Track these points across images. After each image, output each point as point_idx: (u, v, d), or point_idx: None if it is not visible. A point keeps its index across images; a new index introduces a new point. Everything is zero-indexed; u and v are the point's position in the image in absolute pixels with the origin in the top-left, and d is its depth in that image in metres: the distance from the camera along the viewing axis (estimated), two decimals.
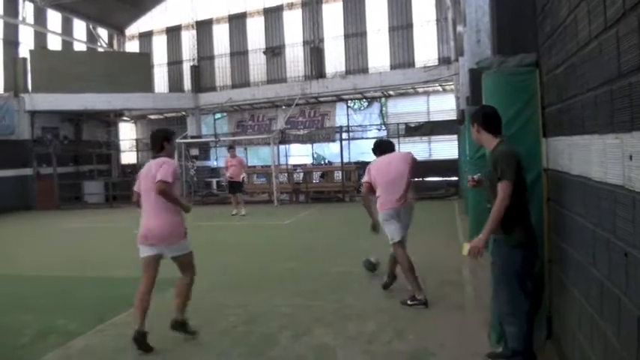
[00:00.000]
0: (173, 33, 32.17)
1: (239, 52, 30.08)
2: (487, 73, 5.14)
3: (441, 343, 5.19)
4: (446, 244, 10.36)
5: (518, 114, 4.69)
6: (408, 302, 6.44)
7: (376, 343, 5.21)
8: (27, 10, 26.89)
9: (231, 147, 18.98)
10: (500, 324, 4.55)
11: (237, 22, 30.08)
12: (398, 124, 24.44)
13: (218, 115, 30.96)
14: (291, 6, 28.59)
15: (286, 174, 22.95)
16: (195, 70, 30.54)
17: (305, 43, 28.25)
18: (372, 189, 7.32)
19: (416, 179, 21.82)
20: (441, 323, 5.74)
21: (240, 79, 29.82)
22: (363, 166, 24.01)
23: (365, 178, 7.45)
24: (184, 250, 6.25)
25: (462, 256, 8.75)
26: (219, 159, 29.67)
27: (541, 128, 4.79)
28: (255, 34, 29.68)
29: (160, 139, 6.43)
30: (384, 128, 26.13)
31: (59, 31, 29.89)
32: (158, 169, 5.85)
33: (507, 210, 4.06)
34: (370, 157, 23.75)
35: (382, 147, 7.79)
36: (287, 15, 28.78)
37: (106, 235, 15.41)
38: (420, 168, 22.90)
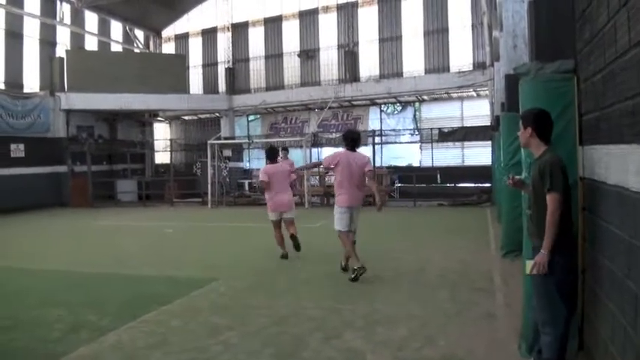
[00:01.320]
0: (209, 35, 32.46)
1: (274, 55, 30.24)
2: (524, 80, 5.07)
3: (471, 350, 5.13)
4: (478, 251, 10.28)
5: (555, 121, 4.60)
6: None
7: (406, 349, 5.17)
8: (64, 11, 27.34)
9: (284, 149, 19.02)
10: (533, 333, 4.49)
11: (273, 24, 30.24)
12: (431, 129, 24.38)
13: (252, 117, 31.18)
14: (326, 9, 28.66)
15: (318, 177, 22.95)
16: (230, 72, 30.79)
17: (339, 46, 28.30)
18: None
19: (448, 185, 21.90)
20: (471, 331, 5.68)
21: (275, 82, 29.97)
22: (395, 170, 24.00)
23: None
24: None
25: (495, 264, 8.76)
26: (251, 160, 29.86)
27: (577, 136, 4.72)
28: (290, 37, 29.83)
29: (356, 137, 9.02)
30: (417, 133, 26.05)
31: (96, 31, 30.36)
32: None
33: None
34: (403, 161, 23.46)
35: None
36: (322, 18, 28.86)
37: (139, 233, 15.60)
38: (453, 174, 22.96)
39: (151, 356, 5.29)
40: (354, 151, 8.83)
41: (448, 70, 25.59)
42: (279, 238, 10.34)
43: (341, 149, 9.15)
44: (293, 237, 10.17)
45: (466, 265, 8.93)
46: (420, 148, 26.28)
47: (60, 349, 5.53)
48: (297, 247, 10.20)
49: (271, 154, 10.85)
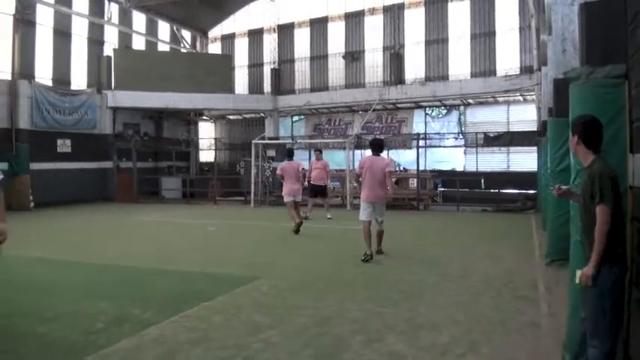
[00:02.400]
0: (255, 36, 32.68)
1: (319, 56, 30.28)
2: (575, 84, 4.97)
3: (514, 359, 5.06)
4: (522, 259, 10.14)
5: (606, 128, 4.48)
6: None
7: (449, 355, 5.11)
8: (112, 11, 27.85)
9: (317, 150, 19.07)
10: (578, 346, 4.39)
11: (319, 26, 30.29)
12: (476, 133, 24.10)
13: (296, 118, 31.27)
14: (372, 11, 28.58)
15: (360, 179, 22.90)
16: (275, 73, 30.94)
17: (385, 48, 28.19)
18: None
19: (492, 190, 21.62)
20: (515, 340, 5.59)
21: (319, 83, 30.01)
22: (439, 174, 23.80)
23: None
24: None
25: (539, 272, 8.62)
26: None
27: (628, 143, 4.60)
28: (336, 38, 29.82)
29: (379, 144, 10.86)
30: (461, 137, 25.79)
31: (143, 31, 30.84)
32: (384, 167, 10.35)
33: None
34: (447, 165, 23.28)
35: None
36: (368, 20, 28.80)
37: (182, 230, 15.75)
38: (497, 179, 22.65)
39: (192, 351, 5.34)
40: (378, 155, 10.70)
41: (494, 73, 25.26)
42: (293, 214, 14.10)
43: (368, 153, 11.12)
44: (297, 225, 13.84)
45: (510, 273, 8.81)
46: (465, 152, 26.03)
47: (101, 341, 5.63)
48: (296, 232, 13.75)
49: (289, 154, 15.30)
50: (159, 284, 8.44)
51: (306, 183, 16.78)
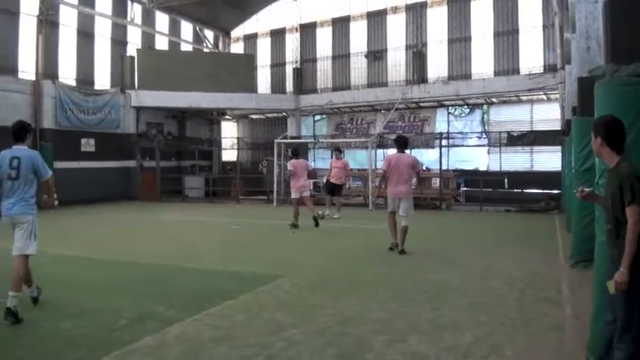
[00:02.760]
0: (277, 35, 32.75)
1: (341, 55, 30.28)
2: (599, 83, 4.91)
3: None
4: (546, 260, 10.03)
5: (631, 126, 4.38)
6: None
7: (472, 357, 5.07)
8: (135, 12, 28.10)
9: (336, 149, 19.09)
10: (604, 349, 4.33)
11: (341, 25, 30.28)
12: (500, 132, 23.88)
13: (318, 117, 31.29)
14: (395, 10, 28.51)
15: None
16: (298, 72, 30.99)
17: (407, 47, 28.10)
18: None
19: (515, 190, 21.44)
20: (538, 342, 5.53)
21: (341, 82, 30.00)
22: (462, 174, 23.66)
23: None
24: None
25: (563, 273, 8.54)
26: (317, 160, 29.97)
27: None
28: (358, 37, 29.80)
29: (404, 141, 11.54)
30: (484, 136, 25.61)
31: (166, 31, 31.07)
32: (410, 164, 10.93)
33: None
34: (469, 165, 23.15)
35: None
36: (390, 19, 28.75)
37: (205, 228, 15.87)
38: (521, 179, 22.46)
39: (215, 350, 5.36)
40: (403, 152, 11.24)
41: (518, 72, 25.06)
42: (296, 211, 15.04)
43: (393, 151, 11.78)
44: (314, 218, 14.93)
45: (534, 274, 8.73)
46: (488, 151, 25.85)
47: (125, 338, 5.68)
48: (316, 224, 14.79)
49: (296, 153, 16.13)
50: (182, 282, 8.49)
51: (324, 180, 17.37)
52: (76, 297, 7.46)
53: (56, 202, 21.68)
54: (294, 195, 15.29)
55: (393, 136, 22.05)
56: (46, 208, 7.47)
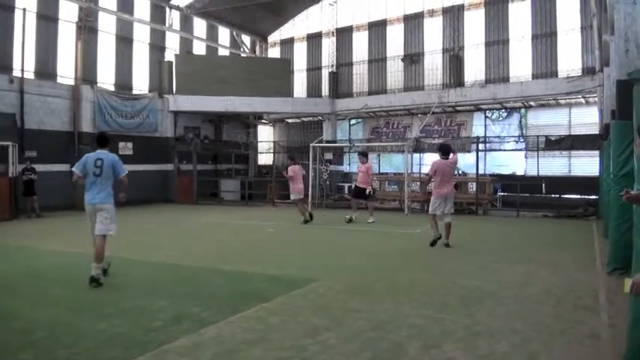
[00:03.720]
0: (313, 40, 32.86)
1: (377, 59, 30.25)
2: (639, 85, 4.84)
3: None
4: (583, 267, 9.87)
5: None
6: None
7: None
8: (173, 18, 28.54)
9: (360, 153, 19.09)
10: None
11: (377, 29, 30.25)
12: (537, 136, 23.53)
13: (353, 121, 31.26)
14: (432, 13, 28.38)
15: (419, 182, 22.73)
16: (334, 76, 31.04)
17: (444, 50, 27.94)
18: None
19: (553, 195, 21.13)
20: (574, 351, 5.43)
21: (377, 86, 29.95)
22: (498, 178, 23.41)
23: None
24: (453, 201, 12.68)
25: (600, 281, 8.40)
26: (352, 164, 29.95)
27: None
28: (395, 40, 29.74)
29: (447, 149, 12.76)
30: (522, 140, 25.30)
31: (204, 37, 31.41)
32: (453, 165, 12.86)
33: None
34: (507, 169, 23.00)
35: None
36: (427, 22, 28.62)
37: (241, 231, 15.97)
38: (559, 184, 22.12)
39: (249, 352, 5.39)
40: (447, 158, 12.50)
41: (556, 75, 24.69)
42: (302, 208, 17.52)
43: (437, 157, 12.82)
44: (310, 214, 17.25)
45: (571, 281, 8.59)
46: (525, 156, 25.53)
47: (161, 338, 5.75)
48: (308, 221, 16.99)
49: (292, 158, 18.39)
50: (217, 284, 8.58)
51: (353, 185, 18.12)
52: (113, 297, 7.57)
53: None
54: (296, 197, 17.36)
55: (429, 141, 22.07)
56: (122, 201, 9.15)
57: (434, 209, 12.31)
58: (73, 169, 8.89)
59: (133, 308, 6.96)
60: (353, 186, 18.42)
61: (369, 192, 17.86)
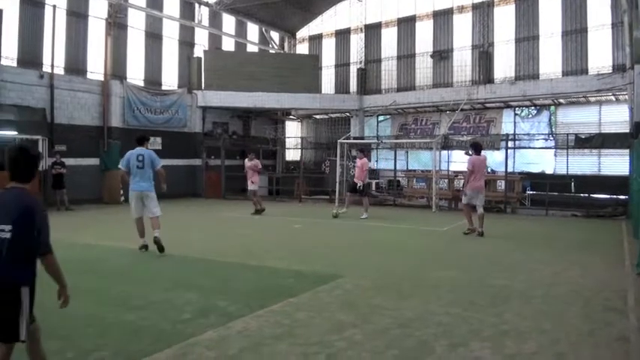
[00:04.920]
0: (342, 36, 32.86)
1: (406, 55, 30.13)
2: None
3: None
4: (612, 267, 9.74)
5: None
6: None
7: None
8: (202, 14, 28.70)
9: (359, 150, 19.48)
10: None
11: (406, 25, 30.13)
12: (567, 134, 23.20)
13: (381, 118, 31.18)
14: (461, 9, 28.19)
15: (447, 180, 22.61)
16: (362, 73, 30.94)
17: (474, 47, 27.74)
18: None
19: (582, 194, 20.87)
20: (603, 353, 5.36)
21: (406, 83, 29.84)
22: (527, 176, 23.17)
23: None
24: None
25: (629, 282, 8.30)
26: (379, 160, 29.89)
27: None
28: (424, 37, 29.58)
29: (481, 146, 14.42)
30: (551, 138, 24.99)
31: (233, 33, 31.60)
32: (485, 161, 14.23)
33: None
34: (536, 167, 22.85)
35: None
36: (457, 18, 28.44)
37: (268, 227, 16.02)
38: (588, 183, 21.83)
39: (276, 346, 5.41)
40: (479, 154, 13.96)
41: (586, 72, 24.34)
42: (258, 200, 19.28)
43: (471, 154, 14.23)
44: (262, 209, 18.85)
45: (600, 282, 8.48)
46: (555, 154, 25.26)
47: (188, 331, 5.82)
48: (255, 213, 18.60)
49: (244, 153, 19.77)
50: (244, 278, 8.63)
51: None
52: (141, 290, 7.67)
53: (122, 198, 22.45)
54: (255, 188, 19.28)
55: (458, 138, 21.97)
56: (163, 190, 11.41)
57: (469, 199, 13.81)
58: (119, 166, 11.26)
59: (161, 301, 7.03)
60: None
61: (359, 187, 18.18)
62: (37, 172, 4.08)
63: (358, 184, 18.11)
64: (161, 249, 10.46)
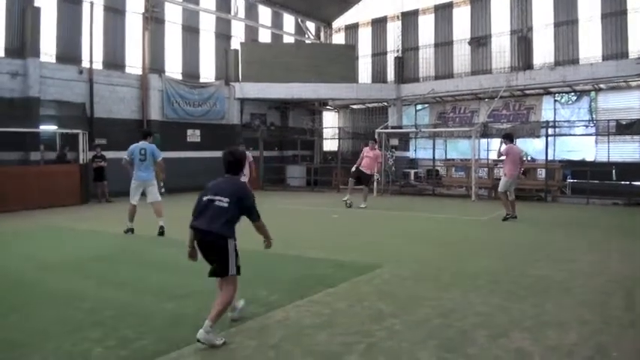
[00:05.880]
0: (378, 24, 32.73)
1: (443, 43, 29.89)
2: None
3: None
4: None
5: None
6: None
7: (576, 357, 4.93)
8: (239, 6, 28.91)
9: (373, 139, 19.69)
10: None
11: (443, 12, 29.90)
12: (608, 120, 22.74)
13: (419, 107, 31.04)
14: None
15: (486, 169, 22.41)
16: (399, 61, 30.81)
17: (512, 32, 27.40)
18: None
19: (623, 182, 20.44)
20: None
21: (444, 70, 29.61)
22: (568, 164, 22.82)
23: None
24: None
25: None
26: (418, 150, 29.75)
27: None
28: (461, 23, 29.34)
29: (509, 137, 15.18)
30: (592, 125, 24.53)
31: (269, 24, 31.70)
32: (520, 150, 15.22)
33: None
34: (576, 155, 22.44)
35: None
36: (494, 3, 28.09)
37: (307, 217, 16.17)
38: (630, 170, 21.40)
39: (316, 335, 5.47)
40: (514, 143, 15.00)
41: (627, 56, 23.86)
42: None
43: (508, 143, 14.74)
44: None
45: None
46: (596, 141, 24.83)
47: (229, 320, 5.91)
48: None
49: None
50: (284, 268, 8.72)
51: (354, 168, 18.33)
52: (182, 280, 7.77)
53: (163, 190, 22.74)
54: (245, 180, 18.22)
55: (497, 125, 21.84)
56: (161, 180, 13.19)
57: (507, 187, 14.45)
58: (124, 156, 12.21)
59: (202, 291, 7.07)
60: (355, 168, 18.48)
61: (372, 176, 18.81)
62: (243, 167, 6.34)
63: (370, 174, 18.42)
64: (161, 234, 11.83)
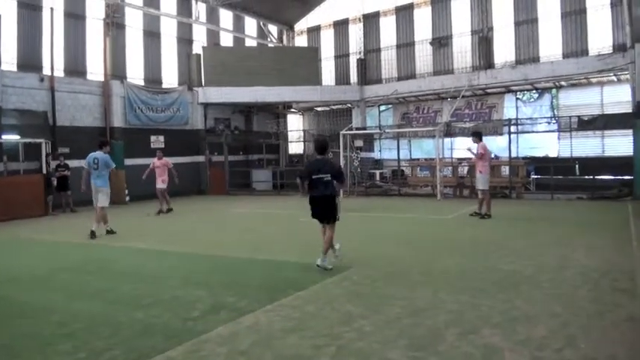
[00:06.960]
0: (340, 27, 32.79)
1: (405, 44, 30.04)
2: None
3: (612, 356, 4.85)
4: (619, 249, 9.73)
5: None
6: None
7: (546, 349, 4.97)
8: (200, 10, 28.72)
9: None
10: None
11: (404, 13, 30.04)
12: (570, 117, 23.07)
13: (383, 107, 31.14)
14: None
15: (450, 168, 22.57)
16: (362, 63, 30.92)
17: (473, 32, 27.62)
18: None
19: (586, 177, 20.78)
20: (613, 335, 5.37)
21: (406, 71, 29.77)
22: (531, 161, 23.10)
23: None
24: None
25: (637, 263, 8.29)
26: (382, 151, 29.85)
27: None
28: (422, 24, 29.45)
29: (479, 134, 15.55)
30: (554, 121, 24.86)
31: (231, 28, 31.54)
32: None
33: None
34: (539, 151, 22.87)
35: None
36: (455, 4, 28.27)
37: (274, 220, 16.08)
38: (592, 165, 21.75)
39: (286, 339, 5.45)
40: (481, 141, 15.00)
41: (587, 53, 24.18)
42: (166, 199, 19.14)
43: (479, 141, 14.72)
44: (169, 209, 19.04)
45: (607, 264, 8.49)
46: (558, 137, 25.16)
47: (199, 328, 5.86)
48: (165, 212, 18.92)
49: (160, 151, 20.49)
50: (253, 273, 8.68)
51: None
52: (150, 289, 7.72)
53: (127, 198, 22.51)
54: (164, 186, 19.00)
55: (460, 125, 22.08)
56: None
57: (486, 185, 14.71)
58: (83, 164, 13.55)
59: (171, 299, 7.07)
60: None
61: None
62: (329, 150, 9.28)
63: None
64: (92, 236, 12.87)
